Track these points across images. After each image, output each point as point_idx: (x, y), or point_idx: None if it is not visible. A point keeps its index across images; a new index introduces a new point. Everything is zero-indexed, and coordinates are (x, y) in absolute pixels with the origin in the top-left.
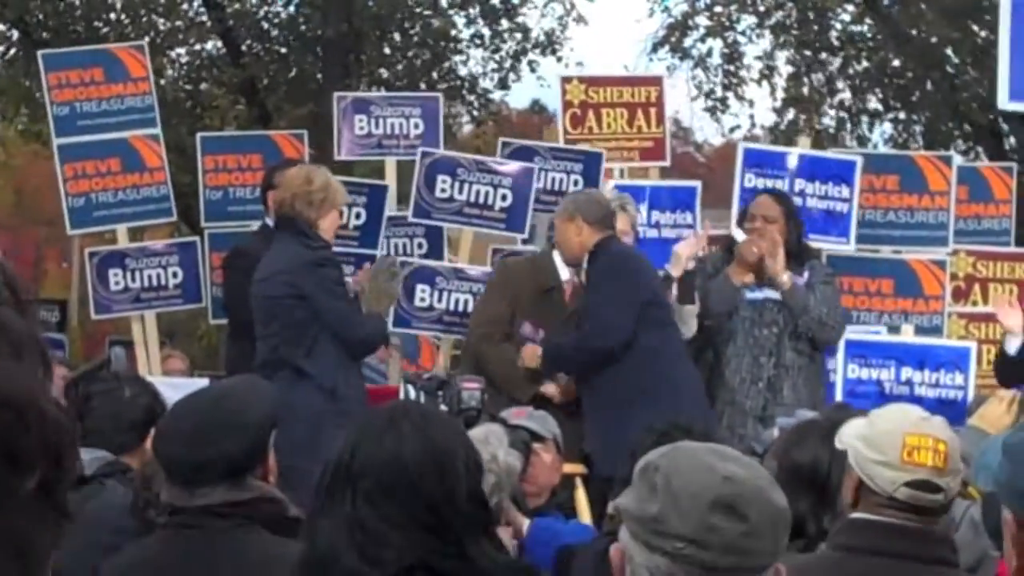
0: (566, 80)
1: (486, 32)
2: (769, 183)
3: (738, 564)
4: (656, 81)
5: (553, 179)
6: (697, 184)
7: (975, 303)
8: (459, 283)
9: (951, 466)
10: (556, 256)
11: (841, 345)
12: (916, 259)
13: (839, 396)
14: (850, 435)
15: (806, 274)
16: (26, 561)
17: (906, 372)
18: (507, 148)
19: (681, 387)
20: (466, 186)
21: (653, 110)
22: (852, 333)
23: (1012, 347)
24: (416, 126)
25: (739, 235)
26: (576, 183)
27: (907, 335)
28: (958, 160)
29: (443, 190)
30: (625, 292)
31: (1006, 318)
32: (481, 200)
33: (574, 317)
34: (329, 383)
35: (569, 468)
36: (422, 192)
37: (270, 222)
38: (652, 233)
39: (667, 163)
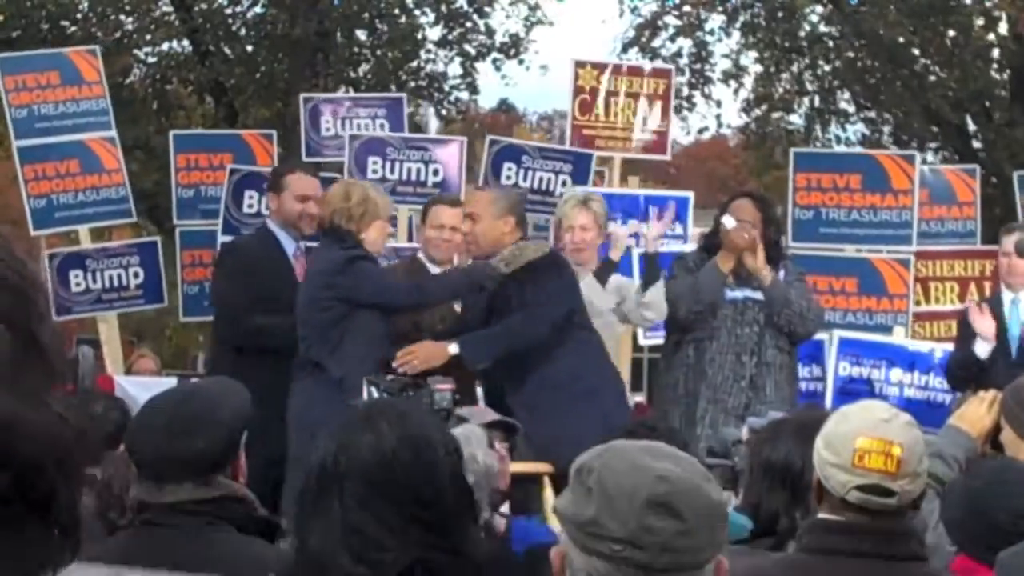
0: (579, 65)
1: (446, 33)
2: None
3: (676, 562)
4: (665, 74)
5: (541, 179)
6: (690, 194)
7: (919, 302)
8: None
9: (905, 470)
10: (422, 257)
11: (834, 343)
12: (880, 258)
13: (829, 393)
14: (820, 434)
15: (781, 273)
16: None
17: (896, 373)
18: (495, 146)
19: (601, 384)
20: (397, 165)
21: (659, 103)
22: (845, 332)
23: (983, 352)
24: (382, 126)
25: (729, 222)
26: (564, 183)
27: (898, 337)
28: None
29: (375, 171)
30: (563, 293)
31: (979, 323)
32: (413, 177)
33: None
34: (349, 383)
35: (537, 467)
36: (355, 176)
37: (270, 224)
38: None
39: (668, 157)
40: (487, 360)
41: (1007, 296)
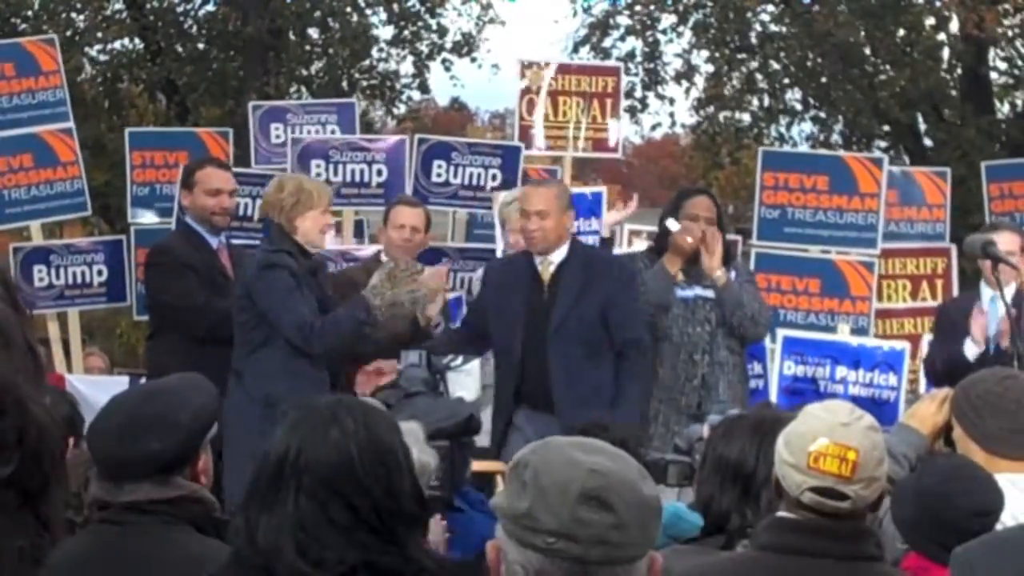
0: (526, 65)
1: (398, 32)
2: None
3: (609, 555)
4: (614, 71)
5: (471, 174)
6: (602, 190)
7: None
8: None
9: (860, 475)
10: (385, 258)
11: (778, 342)
12: (844, 260)
13: (774, 392)
14: (783, 432)
15: (732, 273)
16: None
17: (841, 371)
18: (424, 144)
19: None
20: (341, 167)
21: (609, 101)
22: (790, 330)
23: (972, 354)
24: (333, 132)
25: (673, 225)
26: (495, 177)
27: (843, 335)
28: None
29: (318, 174)
30: None
31: (977, 325)
32: (357, 179)
33: None
34: (259, 392)
35: (489, 466)
36: None
37: (190, 221)
38: None
39: (618, 155)
40: None
41: (987, 294)
